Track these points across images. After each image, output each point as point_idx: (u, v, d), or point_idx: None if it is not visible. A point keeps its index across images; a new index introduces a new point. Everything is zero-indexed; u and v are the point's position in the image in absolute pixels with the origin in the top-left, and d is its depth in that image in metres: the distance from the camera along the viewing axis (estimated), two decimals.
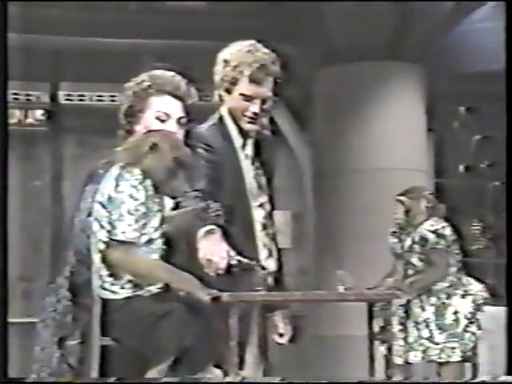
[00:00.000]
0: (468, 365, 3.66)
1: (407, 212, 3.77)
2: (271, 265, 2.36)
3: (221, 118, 2.39)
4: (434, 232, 3.65)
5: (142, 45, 6.02)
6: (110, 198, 2.08)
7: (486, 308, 3.66)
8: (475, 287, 3.65)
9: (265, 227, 2.37)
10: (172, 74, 2.33)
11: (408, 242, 3.73)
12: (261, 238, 2.35)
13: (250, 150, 2.40)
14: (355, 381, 2.52)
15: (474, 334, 3.59)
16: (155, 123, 2.26)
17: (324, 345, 5.42)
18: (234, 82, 2.34)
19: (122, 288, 2.08)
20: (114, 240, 2.07)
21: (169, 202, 2.22)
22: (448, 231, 3.67)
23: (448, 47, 6.06)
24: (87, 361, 2.08)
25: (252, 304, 2.26)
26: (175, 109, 2.27)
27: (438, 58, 5.91)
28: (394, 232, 3.81)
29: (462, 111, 6.65)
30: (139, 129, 2.28)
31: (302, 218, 6.41)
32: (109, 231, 2.07)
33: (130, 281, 2.07)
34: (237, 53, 2.37)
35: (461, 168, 6.65)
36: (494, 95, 6.12)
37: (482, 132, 6.62)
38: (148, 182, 2.10)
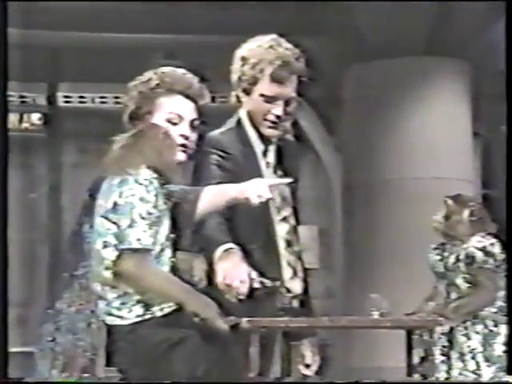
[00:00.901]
0: None
1: (447, 217, 3.73)
2: (296, 286, 2.35)
3: (239, 122, 2.39)
4: (481, 249, 3.60)
5: (149, 40, 6.07)
6: (115, 207, 2.06)
7: None
8: None
9: (289, 244, 2.36)
10: (183, 71, 2.34)
11: (452, 259, 3.69)
12: (285, 256, 2.34)
13: (271, 157, 2.40)
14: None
15: None
16: (166, 126, 2.27)
17: (355, 378, 5.37)
18: (254, 82, 2.34)
19: (130, 311, 2.07)
20: (126, 250, 2.05)
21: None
22: (497, 249, 3.61)
23: (496, 41, 6.02)
24: None
25: (275, 331, 2.25)
26: (188, 110, 2.27)
27: (485, 53, 5.87)
28: (436, 248, 3.77)
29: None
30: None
31: (330, 234, 6.39)
32: (115, 245, 2.07)
33: (138, 301, 2.07)
34: (256, 49, 2.36)
35: None
36: None
37: None
38: (156, 183, 2.10)
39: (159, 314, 2.09)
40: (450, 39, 5.61)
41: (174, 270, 2.12)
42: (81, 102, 6.50)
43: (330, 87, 5.88)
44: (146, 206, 2.06)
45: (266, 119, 2.36)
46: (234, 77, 2.40)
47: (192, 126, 2.29)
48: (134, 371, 2.08)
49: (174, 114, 2.27)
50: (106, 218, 2.09)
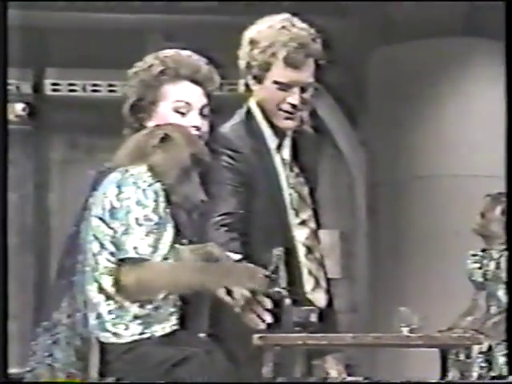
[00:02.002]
0: None
1: (482, 215, 3.74)
2: (320, 298, 2.34)
3: (249, 114, 2.38)
4: None
5: (147, 21, 6.08)
6: (112, 210, 2.06)
7: None
8: None
9: (310, 250, 2.35)
10: (187, 53, 2.32)
11: (492, 266, 3.68)
12: (305, 263, 2.33)
13: (287, 152, 2.39)
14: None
15: None
16: (174, 116, 2.25)
17: None
18: (267, 68, 2.33)
19: (127, 328, 2.08)
20: (123, 260, 2.05)
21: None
22: None
23: None
24: None
25: (293, 348, 2.25)
26: (196, 96, 2.26)
27: None
28: (475, 254, 3.76)
29: None
30: (152, 125, 2.26)
31: (353, 240, 6.39)
32: (112, 253, 2.07)
33: (136, 317, 2.07)
34: (267, 30, 2.35)
35: None
36: None
37: None
38: (158, 186, 2.09)
39: (160, 333, 2.09)
40: (490, 18, 5.58)
41: None
42: (71, 91, 6.52)
43: (353, 73, 5.87)
44: (143, 211, 2.06)
45: (280, 109, 2.35)
46: (243, 63, 2.38)
47: (202, 113, 2.29)
48: None
49: (182, 102, 2.26)
50: (103, 221, 2.09)
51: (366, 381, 2.30)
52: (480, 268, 3.73)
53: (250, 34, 2.39)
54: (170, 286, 2.06)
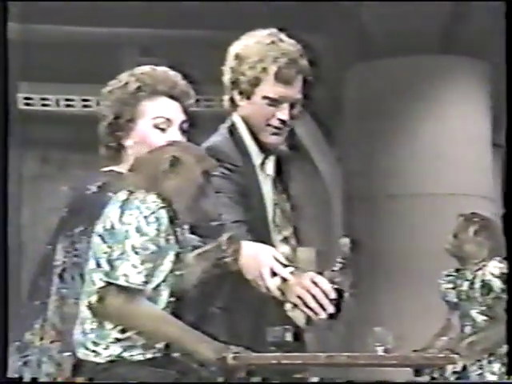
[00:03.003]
0: None
1: (455, 236, 3.76)
2: (300, 317, 2.35)
3: (232, 129, 2.38)
4: (499, 277, 3.61)
5: (123, 35, 6.09)
6: (112, 230, 2.05)
7: None
8: None
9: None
10: (163, 69, 2.32)
11: (465, 287, 3.70)
12: None
13: (271, 168, 2.39)
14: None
15: None
16: (153, 133, 2.25)
17: None
18: (256, 83, 2.32)
19: (107, 348, 2.08)
20: (112, 284, 2.05)
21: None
22: None
23: None
24: None
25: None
26: (175, 112, 2.26)
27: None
28: (449, 275, 3.78)
29: None
30: (130, 143, 2.26)
31: (330, 257, 6.41)
32: (107, 273, 2.07)
33: (118, 339, 2.07)
34: (255, 45, 2.34)
35: None
36: None
37: None
38: (163, 213, 2.08)
39: (140, 358, 2.10)
40: (466, 36, 5.63)
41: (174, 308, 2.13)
42: (44, 105, 6.50)
43: (330, 90, 5.90)
44: (141, 239, 2.04)
45: (269, 125, 2.35)
46: (229, 78, 2.37)
47: (181, 129, 2.30)
48: None
49: (162, 119, 2.26)
50: (103, 240, 2.09)
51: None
52: (454, 288, 3.76)
53: (236, 49, 2.39)
54: (148, 331, 2.07)
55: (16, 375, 2.14)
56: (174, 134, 2.27)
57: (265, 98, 2.35)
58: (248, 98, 2.37)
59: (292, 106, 2.38)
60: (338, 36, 5.80)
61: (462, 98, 5.67)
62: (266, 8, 5.63)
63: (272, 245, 2.34)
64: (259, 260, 2.20)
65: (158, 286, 2.10)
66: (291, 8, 5.60)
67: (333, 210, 6.32)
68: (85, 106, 6.49)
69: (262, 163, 2.40)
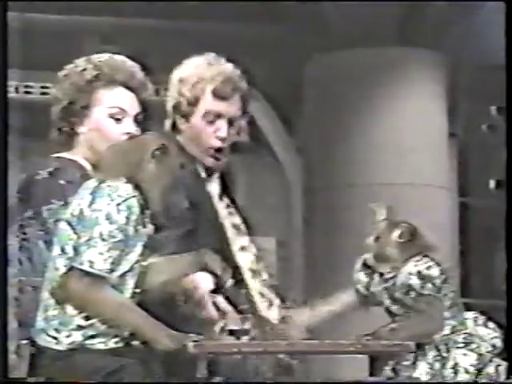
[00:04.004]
0: None
1: (377, 239, 3.82)
2: (274, 315, 2.40)
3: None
4: (417, 274, 3.67)
5: (83, 23, 6.05)
6: (81, 217, 2.05)
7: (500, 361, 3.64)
8: (485, 333, 3.63)
9: (256, 273, 2.41)
10: (122, 58, 2.33)
11: (380, 285, 3.76)
12: (254, 287, 2.39)
13: (216, 186, 2.44)
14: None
15: None
16: (108, 122, 2.26)
17: None
18: (195, 103, 2.37)
19: (69, 336, 2.08)
20: (76, 269, 2.04)
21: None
22: (435, 271, 3.67)
23: (475, 31, 6.15)
24: None
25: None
26: (131, 103, 2.28)
27: (462, 45, 5.99)
28: (366, 265, 3.84)
29: (492, 111, 6.74)
30: (84, 130, 2.28)
31: (290, 247, 6.45)
32: (70, 258, 2.07)
33: (80, 326, 2.08)
34: (195, 69, 2.40)
35: (491, 183, 6.73)
36: None
37: None
38: (134, 201, 2.08)
39: (101, 346, 2.10)
40: (423, 28, 5.70)
41: (141, 303, 2.13)
42: None
43: (290, 81, 5.93)
44: (110, 227, 2.04)
45: (210, 147, 2.38)
46: (171, 103, 2.41)
47: (136, 120, 2.31)
48: None
49: (117, 109, 2.27)
50: (71, 226, 2.09)
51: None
52: (369, 281, 3.81)
53: (177, 74, 2.43)
54: (109, 318, 2.07)
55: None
56: (129, 125, 2.28)
57: (204, 116, 2.40)
58: (188, 120, 2.41)
59: (230, 124, 2.42)
60: (299, 27, 5.82)
61: (418, 89, 5.73)
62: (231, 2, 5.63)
63: (232, 254, 2.37)
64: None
65: (124, 274, 2.11)
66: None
67: (293, 200, 6.36)
68: (43, 94, 6.43)
69: (207, 181, 2.44)
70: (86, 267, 2.04)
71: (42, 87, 6.34)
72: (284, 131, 6.38)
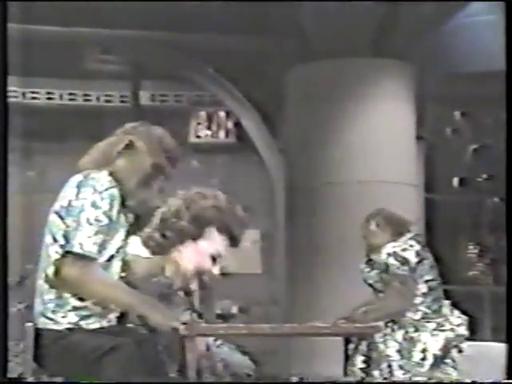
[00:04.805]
0: None
1: (364, 236, 3.85)
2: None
3: None
4: (392, 255, 3.68)
5: (85, 34, 6.01)
6: (68, 207, 2.07)
7: (467, 345, 3.64)
8: (454, 321, 3.64)
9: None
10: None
11: (376, 269, 3.78)
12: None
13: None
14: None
15: (446, 374, 3.56)
16: None
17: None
18: None
19: (65, 317, 2.07)
20: (69, 253, 2.04)
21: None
22: (411, 254, 3.68)
23: (441, 43, 6.16)
24: None
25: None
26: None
27: (429, 56, 6.00)
28: (368, 260, 3.86)
29: (456, 116, 6.76)
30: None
31: (273, 239, 6.44)
32: (62, 245, 2.07)
33: (75, 308, 2.07)
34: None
35: (455, 181, 6.74)
36: (492, 99, 6.23)
37: (478, 140, 6.73)
38: (115, 191, 2.09)
39: (95, 326, 2.09)
40: (395, 41, 5.70)
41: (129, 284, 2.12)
42: (11, 97, 6.40)
43: (273, 88, 5.92)
44: (95, 212, 2.05)
45: None
46: None
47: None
48: (64, 377, 2.08)
49: None
50: (60, 216, 2.09)
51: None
52: (370, 271, 3.83)
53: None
54: (101, 296, 2.07)
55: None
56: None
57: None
58: None
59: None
60: (281, 39, 5.82)
61: (389, 96, 5.75)
62: (215, 11, 5.61)
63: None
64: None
65: (111, 258, 2.11)
66: (237, 10, 5.60)
67: (276, 196, 6.36)
68: (49, 99, 6.39)
69: None
70: (76, 249, 2.05)
71: (48, 93, 6.30)
72: (268, 133, 6.37)
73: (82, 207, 2.05)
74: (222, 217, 2.26)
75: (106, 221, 2.06)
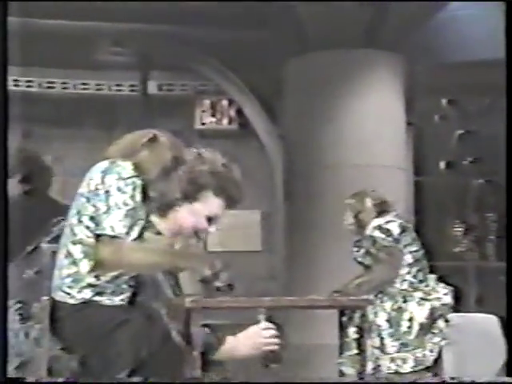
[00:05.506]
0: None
1: (356, 215, 3.83)
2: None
3: None
4: (377, 228, 3.69)
5: (97, 28, 5.98)
6: (96, 191, 2.07)
7: (453, 315, 3.64)
8: (439, 291, 3.63)
9: None
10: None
11: (363, 247, 3.78)
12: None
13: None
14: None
15: (433, 343, 3.55)
16: None
17: (295, 355, 5.45)
18: None
19: (80, 292, 2.07)
20: (101, 236, 2.04)
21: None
22: (394, 226, 3.68)
23: (430, 35, 6.13)
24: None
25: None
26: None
27: (418, 47, 5.98)
28: (357, 241, 3.86)
29: (443, 104, 6.74)
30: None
31: (273, 218, 6.44)
32: (88, 227, 2.06)
33: (90, 285, 2.07)
34: None
35: (442, 165, 6.73)
36: (477, 87, 6.21)
37: (464, 126, 6.72)
38: (138, 180, 2.09)
39: (108, 303, 2.08)
40: (385, 33, 5.68)
41: None
42: (28, 87, 6.38)
43: (273, 77, 5.90)
44: (122, 197, 2.06)
45: None
46: None
47: None
48: (78, 349, 2.08)
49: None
50: (87, 199, 2.09)
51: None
52: (359, 250, 3.83)
53: None
54: (142, 263, 2.07)
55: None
56: None
57: None
58: None
59: None
60: (280, 32, 5.80)
61: (381, 85, 5.74)
62: (219, 4, 5.58)
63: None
64: None
65: (135, 239, 2.11)
66: (238, 5, 5.57)
67: (275, 178, 6.35)
68: (64, 88, 6.37)
69: None
70: (108, 232, 2.06)
71: (63, 83, 6.28)
72: (268, 120, 6.35)
73: (109, 192, 2.06)
74: (217, 181, 2.21)
75: (132, 204, 2.06)
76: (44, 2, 5.68)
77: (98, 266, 2.05)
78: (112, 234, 2.03)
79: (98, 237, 2.05)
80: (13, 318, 2.14)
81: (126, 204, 2.05)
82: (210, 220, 2.20)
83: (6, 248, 2.14)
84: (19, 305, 2.16)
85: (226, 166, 2.25)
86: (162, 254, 2.08)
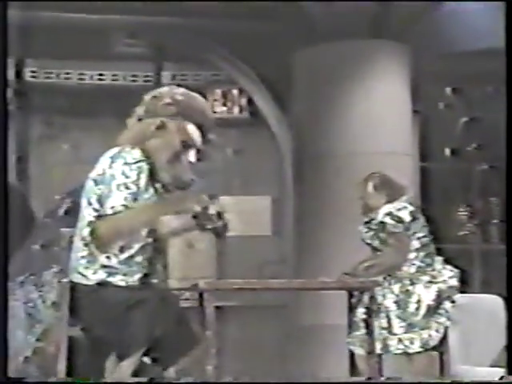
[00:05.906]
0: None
1: (361, 197, 3.82)
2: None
3: None
4: (388, 214, 3.67)
5: (111, 21, 5.97)
6: (102, 175, 2.11)
7: (458, 296, 3.62)
8: (445, 274, 3.62)
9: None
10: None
11: (373, 230, 3.76)
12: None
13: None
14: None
15: (439, 324, 3.54)
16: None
17: (306, 335, 5.45)
18: None
19: (95, 273, 2.07)
20: (101, 216, 2.07)
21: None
22: (405, 213, 3.66)
23: (434, 26, 6.09)
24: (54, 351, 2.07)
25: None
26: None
27: (423, 37, 5.94)
28: (366, 222, 3.84)
29: (448, 92, 6.69)
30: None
31: (282, 204, 6.43)
32: (95, 209, 2.09)
33: (103, 266, 2.07)
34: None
35: (447, 151, 6.70)
36: (481, 76, 6.16)
37: (468, 114, 6.68)
38: (144, 164, 2.11)
39: (121, 283, 2.09)
40: (392, 24, 5.65)
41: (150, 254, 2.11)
42: (47, 78, 6.38)
43: (283, 68, 5.88)
44: (125, 180, 2.09)
45: None
46: None
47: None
48: (95, 329, 2.08)
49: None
50: (95, 182, 2.12)
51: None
52: (368, 231, 3.81)
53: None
54: (135, 222, 2.08)
55: (31, 305, 2.13)
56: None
57: None
58: None
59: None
60: (290, 23, 5.77)
61: (388, 74, 5.71)
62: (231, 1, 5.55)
63: None
64: None
65: None
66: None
67: (285, 165, 6.34)
68: (80, 79, 6.37)
69: None
70: (109, 212, 2.06)
71: (79, 74, 6.27)
72: (278, 109, 6.33)
73: (114, 176, 2.08)
74: (178, 110, 2.20)
75: (134, 189, 2.08)
76: None
77: (100, 244, 2.06)
78: (111, 212, 2.06)
79: (99, 217, 2.07)
80: (28, 288, 2.16)
81: (127, 188, 2.08)
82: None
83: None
84: (32, 277, 2.18)
85: (187, 94, 2.24)
86: (152, 207, 2.10)
